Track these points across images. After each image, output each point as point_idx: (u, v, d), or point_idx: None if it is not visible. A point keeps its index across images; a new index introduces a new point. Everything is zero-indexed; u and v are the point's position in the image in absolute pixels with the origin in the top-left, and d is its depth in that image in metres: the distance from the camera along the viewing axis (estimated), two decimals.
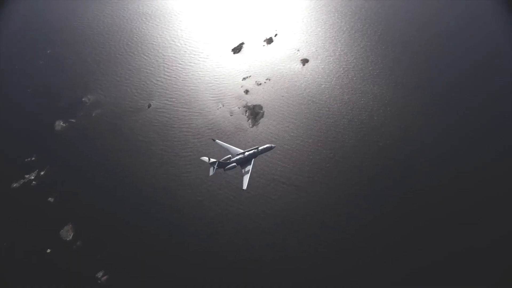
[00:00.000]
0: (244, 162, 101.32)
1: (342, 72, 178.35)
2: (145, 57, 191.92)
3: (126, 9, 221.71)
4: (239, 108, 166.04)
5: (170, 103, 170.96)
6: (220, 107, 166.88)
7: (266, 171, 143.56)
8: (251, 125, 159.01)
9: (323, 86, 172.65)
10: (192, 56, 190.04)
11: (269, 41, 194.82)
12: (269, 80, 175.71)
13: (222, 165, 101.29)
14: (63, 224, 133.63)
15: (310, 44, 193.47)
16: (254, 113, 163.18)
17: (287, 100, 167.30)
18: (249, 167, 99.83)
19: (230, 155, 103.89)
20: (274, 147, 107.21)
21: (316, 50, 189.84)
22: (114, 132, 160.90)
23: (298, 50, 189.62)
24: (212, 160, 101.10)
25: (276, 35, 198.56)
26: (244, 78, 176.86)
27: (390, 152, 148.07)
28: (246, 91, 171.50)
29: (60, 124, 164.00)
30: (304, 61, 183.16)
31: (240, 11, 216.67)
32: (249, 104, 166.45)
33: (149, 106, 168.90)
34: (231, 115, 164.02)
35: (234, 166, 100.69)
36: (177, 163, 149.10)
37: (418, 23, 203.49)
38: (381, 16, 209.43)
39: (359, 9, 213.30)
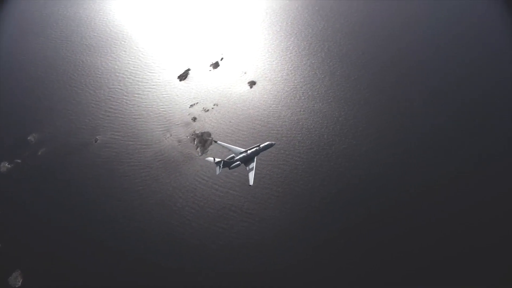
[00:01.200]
0: (247, 160, 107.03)
1: (290, 91, 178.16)
2: (90, 90, 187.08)
3: (70, 41, 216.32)
4: (187, 136, 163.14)
5: (117, 136, 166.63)
6: (168, 137, 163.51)
7: (216, 200, 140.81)
8: (200, 153, 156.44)
9: (271, 107, 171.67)
10: (138, 86, 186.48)
11: (215, 65, 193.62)
12: (217, 105, 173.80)
13: (226, 164, 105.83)
14: (11, 270, 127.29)
15: (257, 65, 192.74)
16: (203, 140, 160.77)
17: (235, 125, 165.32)
18: (253, 164, 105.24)
19: (233, 155, 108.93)
20: (274, 144, 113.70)
21: (263, 71, 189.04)
22: (62, 171, 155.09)
23: (245, 73, 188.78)
24: (217, 160, 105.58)
25: (222, 59, 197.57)
26: (191, 105, 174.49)
27: (342, 171, 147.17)
28: (194, 119, 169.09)
29: (5, 165, 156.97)
30: (252, 83, 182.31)
31: (185, 37, 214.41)
32: (197, 132, 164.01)
33: (96, 141, 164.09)
34: (179, 144, 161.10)
35: (238, 165, 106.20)
36: (126, 198, 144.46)
37: (366, 36, 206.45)
38: (327, 33, 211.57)
39: (305, 27, 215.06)
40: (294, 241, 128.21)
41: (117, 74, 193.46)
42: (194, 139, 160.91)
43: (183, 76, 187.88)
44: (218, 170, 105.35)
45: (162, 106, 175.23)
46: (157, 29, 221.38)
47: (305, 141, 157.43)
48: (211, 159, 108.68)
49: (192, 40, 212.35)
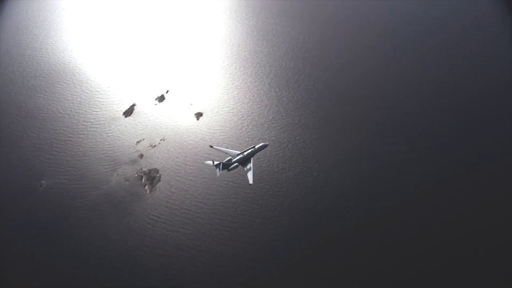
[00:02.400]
0: (244, 161, 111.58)
1: (237, 121, 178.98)
2: (34, 133, 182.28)
3: (11, 83, 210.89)
4: (135, 174, 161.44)
5: (63, 179, 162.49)
6: (115, 176, 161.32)
7: (167, 240, 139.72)
8: (148, 191, 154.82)
9: (219, 138, 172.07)
10: (83, 125, 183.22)
11: (161, 98, 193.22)
12: (164, 140, 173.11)
13: (225, 166, 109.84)
14: None
15: (203, 96, 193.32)
16: (151, 178, 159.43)
17: (183, 159, 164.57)
18: (250, 165, 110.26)
19: (230, 157, 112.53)
20: (268, 144, 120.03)
21: (210, 102, 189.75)
22: (5, 220, 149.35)
23: (191, 104, 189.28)
24: (216, 162, 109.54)
25: (167, 91, 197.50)
26: (137, 142, 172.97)
27: (295, 199, 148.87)
28: (141, 155, 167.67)
29: None
30: (198, 115, 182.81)
31: (129, 71, 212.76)
32: (145, 169, 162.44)
33: (41, 185, 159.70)
34: (127, 183, 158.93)
35: (236, 166, 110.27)
36: (71, 246, 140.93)
37: (313, 60, 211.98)
38: (273, 58, 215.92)
39: (250, 53, 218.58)
40: None
41: (61, 114, 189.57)
42: (142, 176, 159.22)
43: (128, 112, 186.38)
44: (218, 172, 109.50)
45: (108, 145, 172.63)
46: (100, 65, 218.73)
47: (254, 170, 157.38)
48: (210, 162, 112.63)
49: (136, 74, 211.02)
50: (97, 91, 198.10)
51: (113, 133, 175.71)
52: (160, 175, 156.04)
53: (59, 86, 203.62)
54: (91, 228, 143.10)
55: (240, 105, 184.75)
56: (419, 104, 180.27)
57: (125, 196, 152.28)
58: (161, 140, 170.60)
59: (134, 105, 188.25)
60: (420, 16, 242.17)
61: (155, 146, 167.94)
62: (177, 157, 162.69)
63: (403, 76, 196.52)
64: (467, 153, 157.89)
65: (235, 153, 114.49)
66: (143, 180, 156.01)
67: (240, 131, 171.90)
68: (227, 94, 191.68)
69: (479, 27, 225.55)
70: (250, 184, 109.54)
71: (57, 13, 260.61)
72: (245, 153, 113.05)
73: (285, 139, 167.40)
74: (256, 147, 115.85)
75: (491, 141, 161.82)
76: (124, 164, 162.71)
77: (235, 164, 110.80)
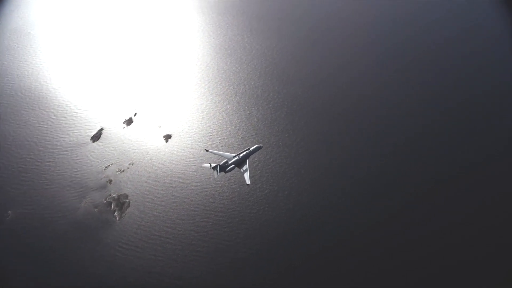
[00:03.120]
0: (240, 162, 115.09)
1: (206, 141, 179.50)
2: None
3: None
4: (103, 201, 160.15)
5: (30, 210, 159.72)
6: (84, 203, 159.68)
7: (138, 268, 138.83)
8: (117, 218, 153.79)
9: (190, 160, 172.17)
10: (50, 152, 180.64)
11: (129, 122, 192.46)
12: (133, 164, 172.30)
13: (222, 168, 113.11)
14: None
15: (172, 117, 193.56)
16: (120, 203, 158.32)
17: (152, 183, 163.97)
18: (246, 166, 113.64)
19: (226, 160, 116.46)
20: (262, 146, 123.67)
21: (179, 123, 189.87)
22: None
23: (160, 127, 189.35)
24: (213, 165, 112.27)
25: (135, 114, 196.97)
26: (106, 167, 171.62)
27: (266, 220, 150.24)
28: (110, 181, 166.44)
29: None
30: (167, 137, 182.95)
31: (95, 95, 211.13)
32: (114, 195, 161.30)
33: (8, 216, 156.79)
34: (96, 210, 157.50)
35: (233, 168, 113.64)
36: (41, 278, 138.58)
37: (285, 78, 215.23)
38: (241, 76, 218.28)
39: (219, 72, 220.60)
40: None
41: (28, 141, 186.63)
42: (111, 202, 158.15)
43: (96, 137, 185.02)
44: (216, 174, 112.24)
45: (76, 171, 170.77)
46: (67, 89, 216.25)
47: (225, 191, 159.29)
48: (207, 165, 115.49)
49: (104, 97, 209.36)
50: (64, 117, 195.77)
51: (81, 159, 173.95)
52: (130, 200, 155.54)
53: (25, 112, 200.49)
54: (59, 257, 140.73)
55: (209, 125, 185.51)
56: (394, 123, 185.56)
57: (94, 224, 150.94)
58: (130, 164, 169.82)
59: (102, 129, 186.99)
60: (395, 32, 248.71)
61: (123, 170, 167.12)
62: (146, 182, 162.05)
63: (379, 93, 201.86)
64: (456, 161, 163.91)
65: (231, 155, 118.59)
66: (112, 207, 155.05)
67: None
68: (196, 114, 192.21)
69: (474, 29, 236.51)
70: (248, 185, 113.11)
71: (22, 38, 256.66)
72: (240, 155, 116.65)
73: (255, 159, 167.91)
74: (251, 149, 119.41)
75: (491, 142, 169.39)
76: (93, 191, 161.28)
77: (232, 166, 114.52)
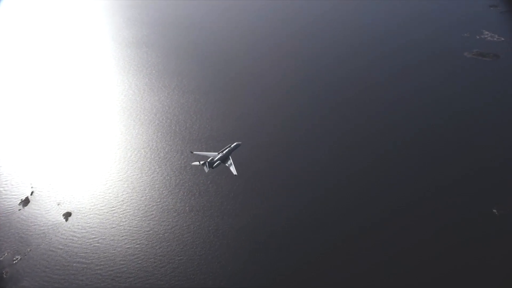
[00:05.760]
0: (224, 158, 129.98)
1: (110, 218, 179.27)
2: None
3: None
4: None
5: None
6: None
7: None
8: None
9: (91, 240, 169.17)
10: None
11: (26, 202, 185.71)
12: (30, 250, 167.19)
13: (211, 164, 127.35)
14: None
15: (72, 194, 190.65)
16: None
17: (52, 271, 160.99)
18: (230, 161, 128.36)
19: (211, 157, 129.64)
20: (240, 144, 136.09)
21: (79, 199, 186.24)
22: None
23: (59, 204, 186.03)
24: (202, 162, 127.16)
25: (32, 192, 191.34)
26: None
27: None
28: (6, 273, 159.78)
29: None
30: (67, 215, 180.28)
31: None
32: None
33: None
34: None
35: (219, 163, 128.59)
36: None
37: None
38: (142, 139, 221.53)
39: (120, 135, 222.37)
40: None
41: None
42: None
43: None
44: (206, 169, 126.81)
45: None
46: None
47: (130, 271, 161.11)
48: (197, 163, 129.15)
49: None
50: None
51: None
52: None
53: None
54: None
55: (110, 199, 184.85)
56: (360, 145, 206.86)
57: None
58: (28, 251, 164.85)
59: None
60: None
61: (21, 259, 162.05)
62: (45, 271, 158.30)
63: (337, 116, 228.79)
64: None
65: (215, 154, 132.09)
66: None
67: (113, 228, 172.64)
68: (97, 188, 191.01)
69: None
70: (235, 175, 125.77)
71: None
72: (224, 152, 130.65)
73: (162, 229, 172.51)
74: (232, 146, 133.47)
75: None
76: None
77: (218, 161, 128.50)
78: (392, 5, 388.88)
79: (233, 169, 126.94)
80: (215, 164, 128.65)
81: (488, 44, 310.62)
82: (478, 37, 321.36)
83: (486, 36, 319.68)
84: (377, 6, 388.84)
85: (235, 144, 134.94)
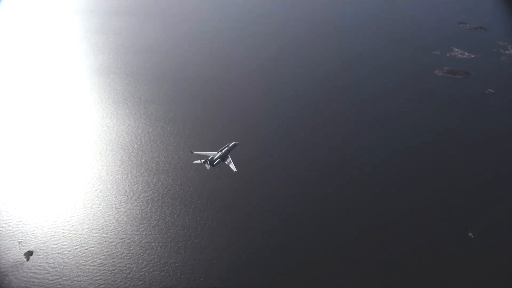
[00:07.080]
0: (224, 157, 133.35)
1: (75, 257, 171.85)
2: None
3: None
4: None
5: None
6: None
7: None
8: None
9: (54, 281, 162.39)
10: None
11: None
12: None
13: (211, 162, 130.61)
14: None
15: (35, 231, 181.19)
16: None
17: None
18: (229, 159, 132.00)
19: (211, 156, 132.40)
20: (237, 143, 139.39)
21: (43, 237, 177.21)
22: None
23: (20, 243, 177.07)
24: (203, 160, 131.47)
25: None
26: None
27: None
28: None
29: None
30: (28, 254, 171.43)
31: None
32: None
33: None
34: None
35: (219, 162, 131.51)
36: None
37: None
38: (107, 171, 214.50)
39: (87, 170, 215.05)
40: None
41: None
42: None
43: None
44: (208, 166, 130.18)
45: None
46: None
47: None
48: (198, 161, 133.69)
49: None
50: None
51: None
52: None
53: None
54: None
55: (76, 239, 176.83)
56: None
57: None
58: None
59: None
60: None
61: None
62: None
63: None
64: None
65: (214, 153, 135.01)
66: None
67: (79, 269, 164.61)
68: (61, 225, 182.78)
69: None
70: (235, 171, 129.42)
71: None
72: (223, 151, 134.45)
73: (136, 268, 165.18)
74: (230, 145, 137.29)
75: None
76: None
77: (218, 160, 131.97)
78: (358, 27, 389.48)
79: (232, 166, 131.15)
80: (215, 162, 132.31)
81: (459, 62, 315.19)
82: (448, 55, 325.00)
83: (456, 53, 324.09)
84: (343, 30, 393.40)
85: (232, 143, 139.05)
